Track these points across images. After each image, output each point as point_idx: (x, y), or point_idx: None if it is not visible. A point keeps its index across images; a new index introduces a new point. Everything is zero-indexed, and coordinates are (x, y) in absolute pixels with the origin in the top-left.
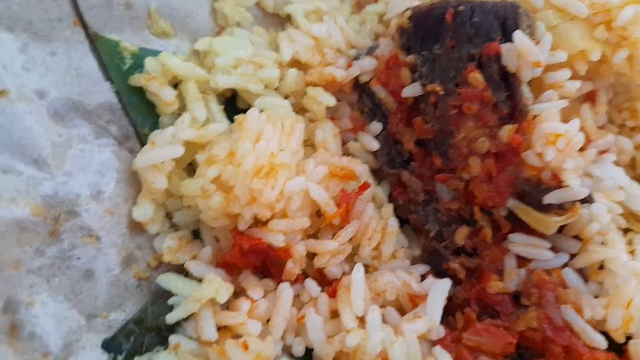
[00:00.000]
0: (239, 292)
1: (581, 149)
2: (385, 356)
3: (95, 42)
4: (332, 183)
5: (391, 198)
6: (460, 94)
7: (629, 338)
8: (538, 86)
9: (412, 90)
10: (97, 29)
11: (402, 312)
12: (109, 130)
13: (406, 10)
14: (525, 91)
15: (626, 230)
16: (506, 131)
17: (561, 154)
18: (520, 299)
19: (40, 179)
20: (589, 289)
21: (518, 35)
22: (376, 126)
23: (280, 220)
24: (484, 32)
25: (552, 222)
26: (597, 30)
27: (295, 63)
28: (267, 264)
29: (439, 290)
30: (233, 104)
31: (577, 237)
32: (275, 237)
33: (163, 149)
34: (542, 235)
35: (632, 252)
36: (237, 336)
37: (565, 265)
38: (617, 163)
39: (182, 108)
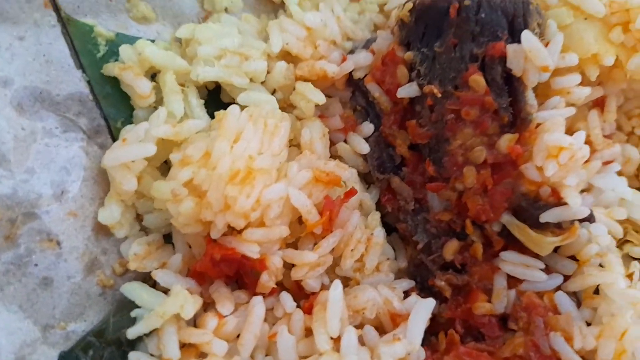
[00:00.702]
0: (209, 304)
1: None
2: None
3: (67, 25)
4: (316, 189)
5: (379, 205)
6: (459, 97)
7: None
8: (544, 91)
9: (408, 91)
10: (70, 12)
11: (382, 331)
12: (78, 123)
13: (408, 1)
14: (530, 97)
15: (623, 242)
16: (506, 141)
17: (563, 169)
18: (508, 323)
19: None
20: (581, 314)
21: (526, 35)
22: (368, 127)
23: (256, 229)
24: (490, 30)
25: (547, 242)
26: (613, 31)
27: (286, 55)
28: (241, 274)
29: (422, 310)
30: (217, 98)
31: (573, 258)
32: (249, 247)
33: (134, 146)
34: (535, 255)
35: (629, 276)
36: (202, 355)
37: (559, 287)
38: (622, 173)
39: (159, 102)
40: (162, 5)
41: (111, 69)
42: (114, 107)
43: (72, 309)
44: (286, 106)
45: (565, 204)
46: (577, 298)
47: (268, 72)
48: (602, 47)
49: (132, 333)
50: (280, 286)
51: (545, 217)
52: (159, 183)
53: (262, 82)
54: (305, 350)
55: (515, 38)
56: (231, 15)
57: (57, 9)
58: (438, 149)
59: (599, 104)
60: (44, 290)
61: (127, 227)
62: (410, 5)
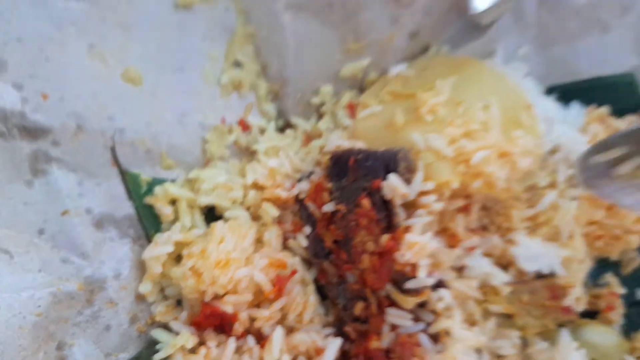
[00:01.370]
0: (201, 342)
1: (453, 246)
2: None
3: (124, 175)
4: (271, 270)
5: (316, 280)
6: (356, 212)
7: None
8: (415, 205)
9: (329, 207)
10: (126, 167)
11: (310, 359)
12: (128, 233)
13: (327, 153)
14: (399, 212)
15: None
16: (384, 239)
17: (416, 256)
18: (390, 354)
19: (84, 266)
20: (437, 348)
21: (391, 176)
22: (308, 229)
23: (231, 296)
24: (373, 172)
25: (410, 301)
26: (458, 166)
27: (256, 185)
28: (223, 324)
29: (333, 346)
30: (213, 213)
31: (433, 311)
32: (227, 307)
33: (161, 247)
34: (406, 310)
35: (473, 324)
36: None
37: (423, 330)
38: (489, 254)
39: (177, 218)
40: (180, 159)
41: (149, 200)
42: (149, 223)
43: (121, 344)
44: (255, 218)
45: (416, 277)
46: (436, 337)
47: (244, 197)
48: (451, 177)
49: (157, 358)
50: (247, 332)
51: (408, 285)
52: (175, 269)
53: (241, 203)
54: None
55: (387, 177)
56: (222, 161)
57: (118, 166)
58: (347, 243)
59: (465, 208)
60: (106, 332)
61: (155, 295)
62: (329, 155)
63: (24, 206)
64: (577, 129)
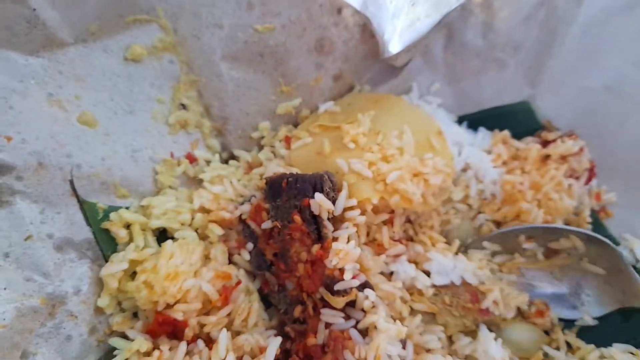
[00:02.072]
0: (156, 347)
1: (380, 254)
2: None
3: (82, 204)
4: (217, 281)
5: (260, 289)
6: (290, 227)
7: None
8: (341, 220)
9: (267, 224)
10: (84, 197)
11: (255, 357)
12: (87, 254)
13: (264, 177)
14: (327, 225)
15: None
16: (315, 248)
17: (342, 261)
18: (325, 348)
19: (46, 284)
20: (366, 341)
21: (317, 195)
22: (250, 245)
23: (181, 304)
24: (302, 192)
25: (340, 301)
26: (377, 185)
27: (202, 209)
28: (175, 331)
29: (274, 343)
30: (165, 235)
31: (362, 310)
32: (178, 314)
33: (117, 265)
34: (338, 309)
35: (401, 320)
36: None
37: (354, 326)
38: (414, 261)
39: (131, 240)
40: (134, 189)
41: (105, 225)
42: (106, 245)
43: (81, 353)
44: (202, 237)
45: (344, 279)
46: (366, 331)
47: (192, 219)
48: (371, 194)
49: None
50: (197, 337)
51: (337, 287)
52: (130, 283)
53: (189, 225)
54: None
55: (314, 195)
56: (172, 190)
57: (77, 196)
58: (284, 255)
59: (389, 221)
60: (67, 342)
61: (112, 308)
62: (264, 180)
63: None
64: (484, 150)
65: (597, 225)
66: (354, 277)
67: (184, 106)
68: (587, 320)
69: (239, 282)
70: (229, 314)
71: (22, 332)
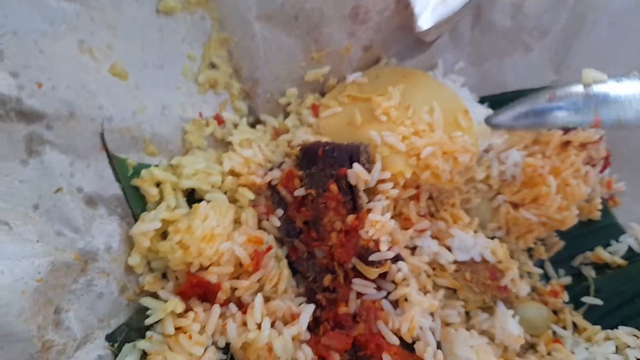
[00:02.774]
0: (188, 309)
1: (407, 228)
2: (270, 347)
3: (112, 159)
4: (249, 245)
5: (288, 256)
6: (325, 196)
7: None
8: (374, 192)
9: (300, 192)
10: (114, 151)
11: (287, 324)
12: (116, 211)
13: (298, 145)
14: (362, 195)
15: (434, 275)
16: (350, 218)
17: (378, 232)
18: (357, 317)
19: (77, 239)
20: (397, 312)
21: (355, 165)
22: (280, 212)
23: (215, 267)
24: (339, 162)
25: (374, 271)
26: (410, 159)
27: (232, 172)
28: (206, 294)
29: (307, 310)
30: (192, 196)
31: (393, 282)
32: (212, 277)
33: (149, 223)
34: (370, 279)
35: (425, 292)
36: (185, 332)
37: (385, 298)
38: (436, 237)
39: (161, 199)
40: (163, 146)
41: (135, 182)
42: (136, 202)
43: (112, 311)
44: (232, 201)
45: (379, 251)
46: (396, 303)
47: (222, 182)
48: (404, 168)
49: (148, 321)
50: (228, 301)
51: (371, 258)
52: (163, 243)
53: (219, 188)
54: (242, 332)
55: (352, 165)
56: (201, 150)
57: (107, 150)
58: (317, 223)
59: (416, 197)
60: (99, 299)
61: (142, 267)
62: (299, 147)
63: (19, 183)
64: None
65: (606, 213)
66: (388, 249)
67: (213, 65)
68: (593, 301)
69: (269, 248)
70: (259, 280)
71: (56, 287)
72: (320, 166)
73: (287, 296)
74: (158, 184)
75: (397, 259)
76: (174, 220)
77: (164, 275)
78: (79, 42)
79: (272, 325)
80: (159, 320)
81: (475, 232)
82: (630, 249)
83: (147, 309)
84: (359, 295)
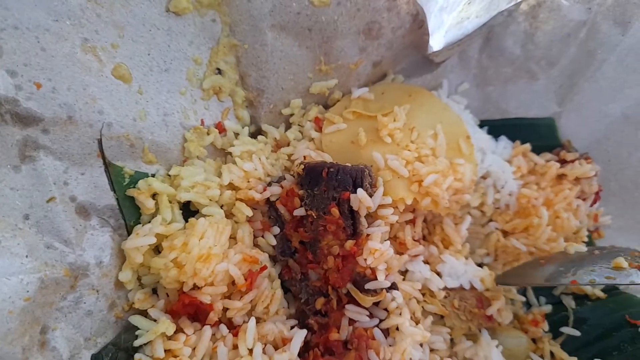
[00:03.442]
0: (178, 330)
1: (401, 254)
2: None
3: (108, 166)
4: (244, 265)
5: (281, 275)
6: (325, 219)
7: None
8: (374, 216)
9: (300, 211)
10: (110, 159)
11: (277, 348)
12: (109, 222)
13: (301, 163)
14: (363, 221)
15: (423, 301)
16: (349, 244)
17: (376, 261)
18: (348, 344)
19: (67, 252)
20: (388, 341)
21: (360, 191)
22: (276, 229)
23: (208, 287)
24: (343, 185)
25: (368, 300)
26: (412, 185)
27: (231, 186)
28: (197, 313)
29: (299, 336)
30: (187, 206)
31: (385, 309)
32: (205, 297)
33: (143, 238)
34: (363, 307)
35: (417, 322)
36: (175, 356)
37: (377, 326)
38: (427, 261)
39: (157, 211)
40: (161, 155)
41: (131, 192)
42: (129, 214)
43: (99, 329)
44: (228, 215)
45: (376, 279)
46: (387, 332)
47: (220, 196)
48: (405, 194)
49: (137, 342)
50: (219, 321)
51: (368, 286)
52: (156, 259)
53: (216, 201)
54: (233, 357)
55: (355, 190)
56: (199, 160)
57: (103, 157)
58: (314, 245)
59: (412, 221)
60: (87, 317)
61: (133, 283)
62: (302, 166)
63: (10, 191)
64: (504, 159)
65: (589, 244)
66: (385, 277)
67: (219, 71)
68: (571, 331)
69: (264, 267)
70: (251, 300)
71: (44, 305)
72: (323, 187)
73: (279, 318)
74: (154, 195)
75: (392, 287)
76: (169, 235)
77: (154, 291)
78: (82, 41)
79: (263, 350)
80: (149, 341)
81: (467, 258)
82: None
83: (135, 327)
84: (351, 321)
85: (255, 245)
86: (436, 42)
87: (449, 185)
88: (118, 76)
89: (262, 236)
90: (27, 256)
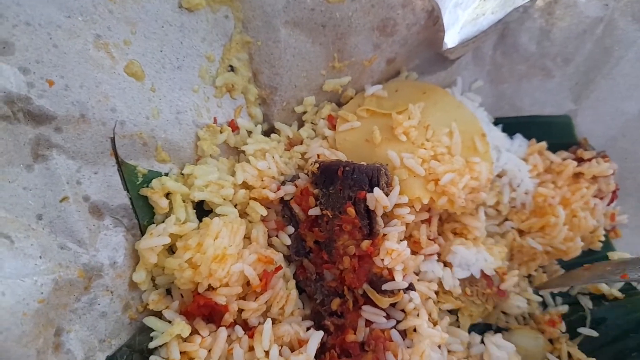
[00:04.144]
0: (193, 331)
1: (415, 253)
2: None
3: (121, 165)
4: (259, 265)
5: (295, 275)
6: (341, 218)
7: None
8: (390, 215)
9: (315, 211)
10: (123, 158)
11: (293, 350)
12: (122, 222)
13: (315, 161)
14: (379, 221)
15: (438, 301)
16: (365, 244)
17: (394, 261)
18: (365, 346)
19: (81, 253)
20: (405, 343)
21: (376, 190)
22: (290, 229)
23: (223, 288)
24: (359, 183)
25: (386, 301)
26: (429, 184)
27: (245, 185)
28: (212, 314)
29: (315, 338)
30: (201, 206)
31: (402, 310)
32: (220, 298)
33: (157, 238)
34: (381, 308)
35: (434, 323)
36: (191, 358)
37: (394, 327)
38: (441, 259)
39: (170, 210)
40: (174, 153)
41: (145, 191)
42: (143, 213)
43: (114, 331)
44: (242, 214)
45: (393, 280)
46: (404, 333)
47: (233, 195)
48: (422, 193)
49: (152, 344)
50: (234, 323)
51: (385, 286)
52: (170, 260)
53: (230, 200)
54: (249, 359)
55: (372, 189)
56: (213, 159)
57: (116, 156)
58: (329, 245)
59: (428, 221)
60: (101, 319)
61: (147, 284)
62: (317, 165)
63: (23, 190)
64: (520, 158)
65: (607, 244)
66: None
67: (232, 68)
68: (589, 332)
69: (279, 267)
70: (266, 301)
71: (58, 307)
72: (338, 187)
73: (294, 319)
74: (167, 194)
75: (409, 288)
76: (183, 235)
77: (168, 291)
78: (95, 37)
79: (279, 352)
80: (164, 343)
81: (483, 244)
82: (627, 283)
83: (149, 328)
84: (368, 322)
85: (270, 245)
86: (450, 39)
87: (465, 184)
88: (131, 73)
89: (277, 236)
90: (40, 257)
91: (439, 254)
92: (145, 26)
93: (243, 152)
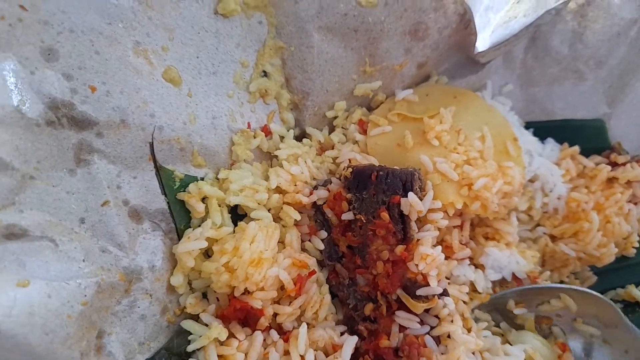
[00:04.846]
0: (230, 335)
1: (448, 258)
2: None
3: (159, 170)
4: (293, 269)
5: (328, 280)
6: (375, 223)
7: None
8: (423, 220)
9: (348, 215)
10: (161, 162)
11: (327, 354)
12: (160, 226)
13: (349, 166)
14: (413, 226)
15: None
16: (399, 249)
17: (428, 267)
18: (399, 352)
19: (122, 256)
20: (440, 349)
21: (411, 195)
22: (323, 233)
23: (259, 292)
24: (393, 188)
25: (420, 306)
26: (462, 189)
27: (278, 189)
28: (247, 318)
29: (350, 343)
30: (235, 210)
31: (436, 316)
32: (256, 302)
33: (194, 242)
34: (414, 313)
35: (468, 329)
36: None
37: (428, 333)
38: (473, 262)
39: (206, 215)
40: (209, 158)
41: (182, 196)
42: (180, 217)
43: (153, 334)
44: (276, 219)
45: (428, 285)
46: (438, 339)
47: (268, 199)
48: (455, 198)
49: (190, 348)
50: (269, 327)
51: (419, 292)
52: (207, 263)
53: (264, 205)
54: None
55: (405, 194)
56: (247, 163)
57: (154, 161)
58: (363, 250)
59: (460, 226)
60: (141, 321)
61: (184, 288)
62: (350, 169)
63: (66, 195)
64: (552, 162)
65: None
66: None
67: (265, 74)
68: None
69: (313, 272)
70: (300, 305)
71: (100, 309)
72: (372, 191)
73: (328, 323)
74: (203, 199)
75: (443, 293)
76: (219, 239)
77: (204, 295)
78: (134, 44)
79: (314, 356)
80: (202, 347)
81: (516, 247)
82: None
83: (186, 331)
84: (402, 328)
85: (302, 249)
86: (481, 42)
87: (498, 188)
88: (168, 79)
89: (309, 240)
90: (84, 260)
91: (470, 258)
92: (182, 32)
93: (276, 157)
